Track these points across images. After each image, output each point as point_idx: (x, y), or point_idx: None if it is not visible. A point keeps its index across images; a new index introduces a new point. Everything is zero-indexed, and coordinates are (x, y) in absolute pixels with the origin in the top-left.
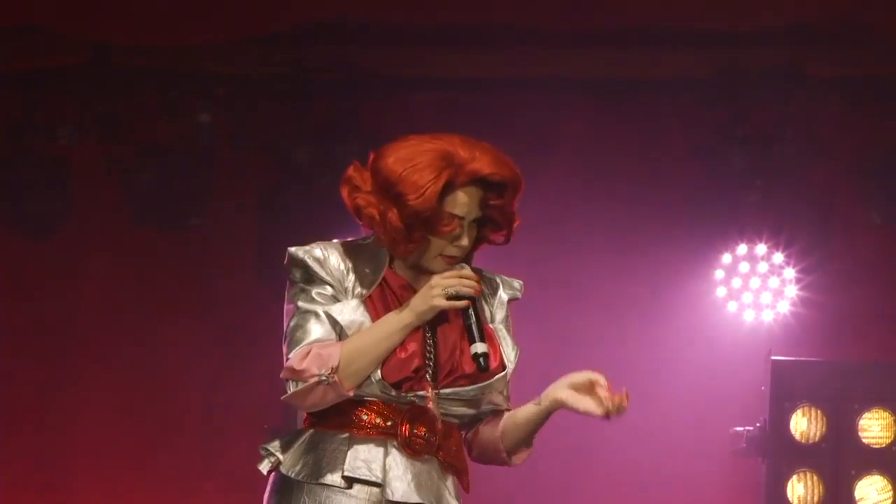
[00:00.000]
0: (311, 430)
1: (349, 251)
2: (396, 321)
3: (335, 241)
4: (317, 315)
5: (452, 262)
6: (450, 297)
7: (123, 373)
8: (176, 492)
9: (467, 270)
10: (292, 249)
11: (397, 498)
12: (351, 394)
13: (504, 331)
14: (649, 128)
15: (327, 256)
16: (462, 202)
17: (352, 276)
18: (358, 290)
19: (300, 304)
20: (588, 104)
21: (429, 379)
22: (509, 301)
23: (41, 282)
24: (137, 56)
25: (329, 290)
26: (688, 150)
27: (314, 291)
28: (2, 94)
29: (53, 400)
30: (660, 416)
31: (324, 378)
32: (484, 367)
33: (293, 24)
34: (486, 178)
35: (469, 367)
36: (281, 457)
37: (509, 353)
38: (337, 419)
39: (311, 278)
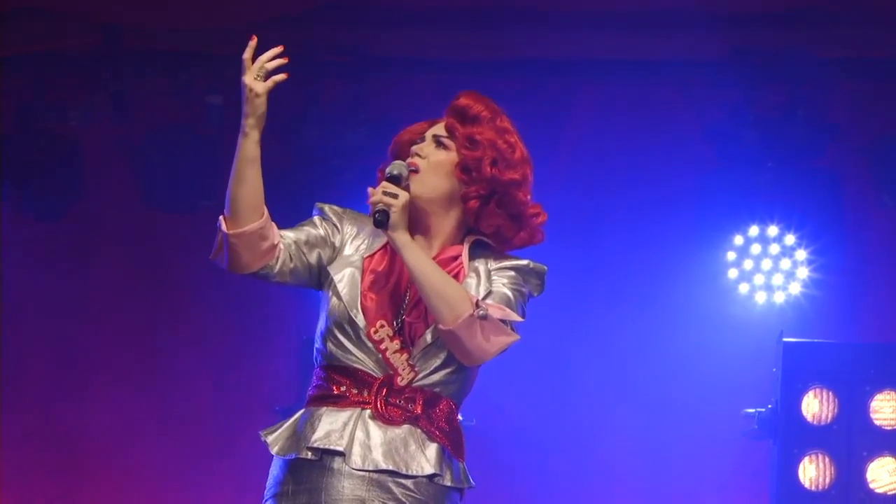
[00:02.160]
0: (301, 411)
1: (364, 217)
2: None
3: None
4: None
5: (413, 166)
6: (376, 212)
7: (134, 353)
8: (188, 472)
9: (392, 187)
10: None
11: (357, 465)
12: (242, 229)
13: (477, 274)
14: (660, 110)
15: (343, 216)
16: (434, 124)
17: (358, 240)
18: (361, 248)
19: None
20: (598, 86)
21: (396, 331)
22: (514, 268)
23: (51, 263)
24: (148, 38)
25: (329, 228)
26: (699, 132)
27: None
28: (13, 76)
29: (64, 381)
30: (671, 398)
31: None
32: (380, 220)
33: (302, 7)
34: (455, 106)
35: (430, 315)
36: (269, 439)
37: (473, 287)
38: (319, 397)
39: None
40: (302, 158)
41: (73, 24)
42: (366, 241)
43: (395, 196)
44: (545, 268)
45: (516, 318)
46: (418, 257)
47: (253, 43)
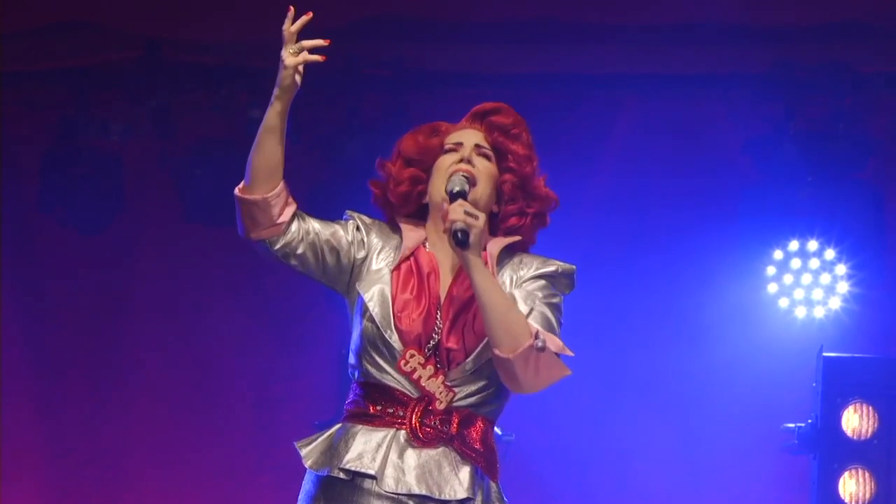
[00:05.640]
0: (337, 426)
1: (389, 229)
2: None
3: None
4: (337, 224)
5: (471, 176)
6: (454, 232)
7: (175, 367)
8: (227, 486)
9: (472, 207)
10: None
11: (390, 489)
12: (246, 195)
13: (519, 293)
14: (702, 123)
15: (371, 228)
16: (460, 132)
17: (384, 253)
18: (388, 261)
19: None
20: (639, 100)
21: (428, 353)
22: (543, 276)
23: (93, 276)
24: (189, 52)
25: (356, 240)
26: (740, 145)
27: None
28: (55, 90)
29: (105, 394)
30: (710, 413)
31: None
32: (462, 240)
33: (346, 20)
34: (496, 123)
35: (469, 341)
36: (303, 451)
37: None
38: (355, 413)
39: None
40: (344, 170)
41: (115, 37)
42: (391, 254)
43: (476, 217)
44: (573, 267)
45: (570, 352)
46: (488, 282)
47: (291, 13)
